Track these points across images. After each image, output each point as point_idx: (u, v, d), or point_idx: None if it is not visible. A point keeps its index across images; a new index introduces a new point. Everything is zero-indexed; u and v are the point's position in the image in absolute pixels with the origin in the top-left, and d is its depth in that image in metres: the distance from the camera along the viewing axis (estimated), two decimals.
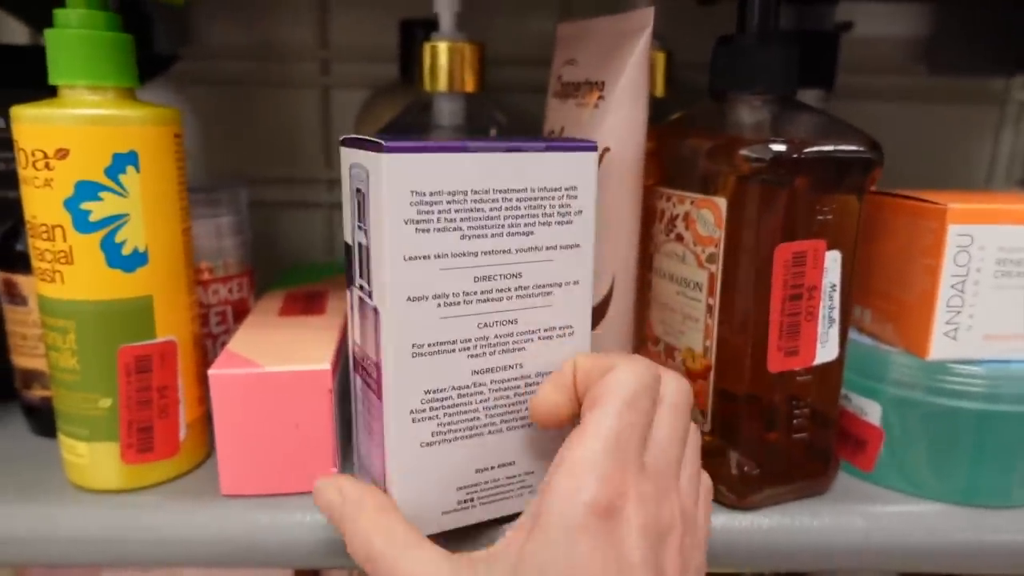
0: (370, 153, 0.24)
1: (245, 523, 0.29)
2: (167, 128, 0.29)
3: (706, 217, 0.29)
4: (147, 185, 0.29)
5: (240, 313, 0.38)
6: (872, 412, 0.32)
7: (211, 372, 0.29)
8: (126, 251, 0.29)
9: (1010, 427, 0.29)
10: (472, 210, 0.25)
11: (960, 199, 0.29)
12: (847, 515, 0.30)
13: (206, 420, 0.33)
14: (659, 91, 0.41)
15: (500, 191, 0.25)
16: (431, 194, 0.24)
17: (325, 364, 0.30)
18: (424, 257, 0.24)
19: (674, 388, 0.25)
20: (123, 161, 0.28)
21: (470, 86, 0.36)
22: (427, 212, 0.24)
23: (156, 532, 0.29)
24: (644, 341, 0.35)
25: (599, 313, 0.33)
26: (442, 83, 0.36)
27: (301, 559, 0.30)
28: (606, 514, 0.21)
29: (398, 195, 0.24)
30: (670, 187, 0.32)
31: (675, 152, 0.32)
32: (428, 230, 0.24)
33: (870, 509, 0.31)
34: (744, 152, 0.27)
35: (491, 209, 0.25)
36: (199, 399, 0.32)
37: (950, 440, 0.30)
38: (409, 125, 0.38)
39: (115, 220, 0.28)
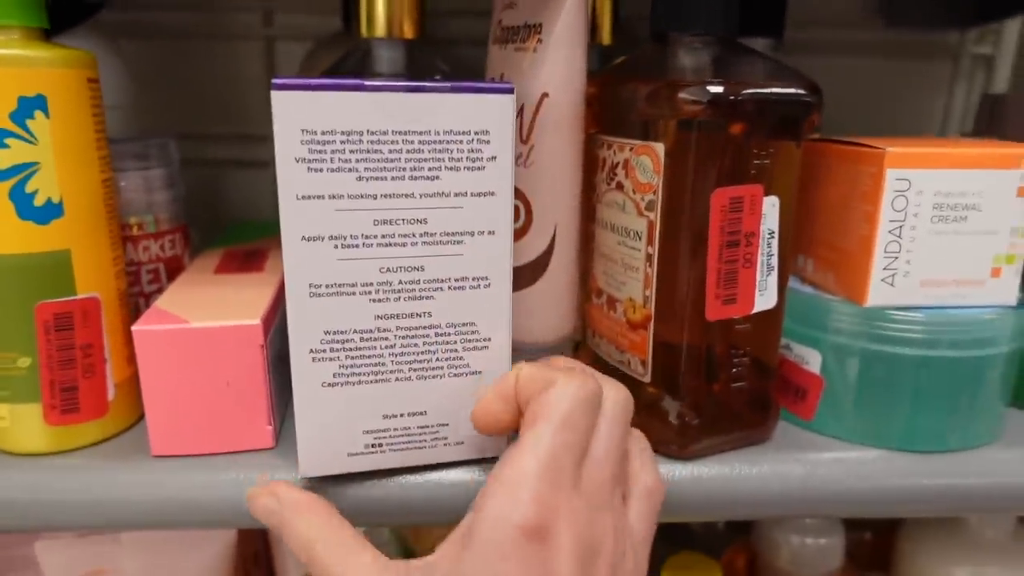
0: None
1: (177, 484, 0.29)
2: (79, 71, 0.28)
3: (645, 164, 0.29)
4: (58, 132, 0.27)
5: (173, 271, 0.37)
6: (813, 361, 0.32)
7: (135, 328, 0.28)
8: (38, 202, 0.27)
9: (947, 372, 0.30)
10: (369, 151, 0.24)
11: (899, 144, 0.29)
12: (786, 463, 0.30)
13: (137, 380, 0.32)
14: (605, 39, 0.40)
15: (400, 133, 0.24)
16: (323, 133, 0.24)
17: (255, 319, 0.29)
18: (318, 197, 0.24)
19: (612, 400, 0.25)
20: (30, 105, 0.26)
21: (409, 32, 0.35)
22: (319, 151, 0.24)
23: (83, 494, 0.28)
24: (588, 294, 0.35)
25: (540, 265, 0.33)
26: (379, 28, 0.35)
27: (236, 519, 0.29)
28: (536, 536, 0.22)
29: (288, 133, 0.23)
30: (611, 135, 0.31)
31: (615, 98, 0.31)
32: (321, 170, 0.24)
33: (809, 456, 0.31)
34: (682, 95, 0.27)
35: (391, 151, 0.24)
36: (128, 358, 0.31)
37: (888, 387, 0.30)
38: (346, 73, 0.36)
39: (24, 169, 0.27)
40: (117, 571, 0.37)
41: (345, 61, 0.37)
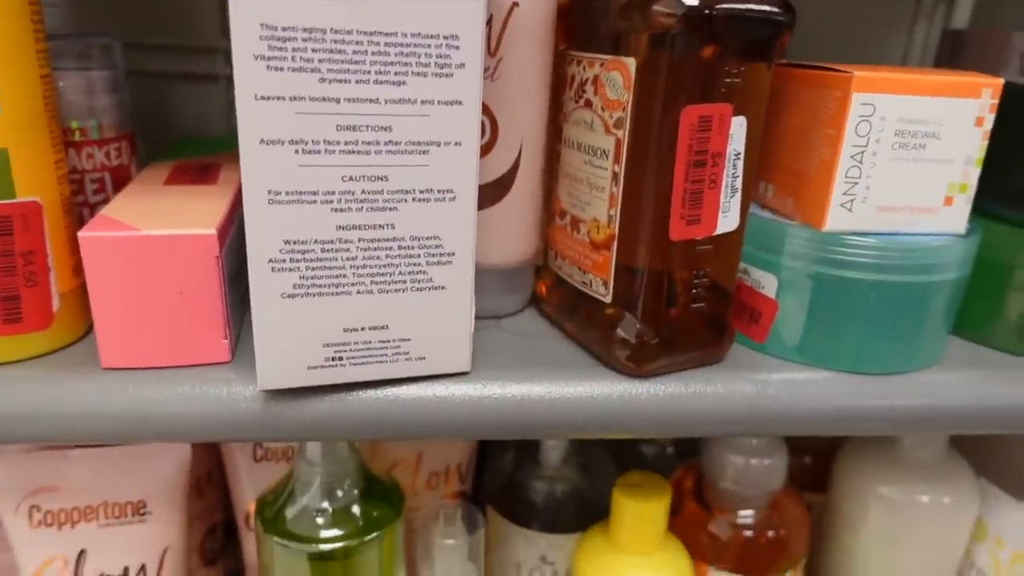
0: None
1: (127, 397, 0.28)
2: None
3: (615, 79, 0.28)
4: None
5: (120, 182, 0.35)
6: (768, 285, 0.32)
7: (81, 234, 0.27)
8: None
9: (895, 297, 0.31)
10: (333, 51, 0.23)
11: (866, 69, 0.29)
12: (739, 382, 0.31)
13: (84, 291, 0.31)
14: None
15: (366, 33, 0.23)
16: (284, 29, 0.23)
17: (210, 228, 0.28)
18: (277, 98, 0.23)
19: None
20: None
21: None
22: (280, 49, 0.23)
23: (27, 406, 0.27)
24: (552, 216, 0.34)
25: (504, 184, 0.32)
26: None
27: (188, 433, 0.29)
28: None
29: (246, 27, 0.22)
30: (581, 50, 0.30)
31: (587, 11, 0.30)
32: (281, 68, 0.23)
33: (760, 376, 0.32)
34: (656, 7, 0.26)
35: (355, 52, 0.23)
36: (74, 268, 0.30)
37: (839, 310, 0.31)
38: None
39: None
40: (67, 487, 0.36)
41: None
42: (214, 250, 0.28)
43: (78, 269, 0.30)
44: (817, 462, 0.52)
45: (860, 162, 0.29)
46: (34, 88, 0.27)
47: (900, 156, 0.30)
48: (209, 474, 0.46)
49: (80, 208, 0.34)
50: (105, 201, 0.35)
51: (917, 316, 0.31)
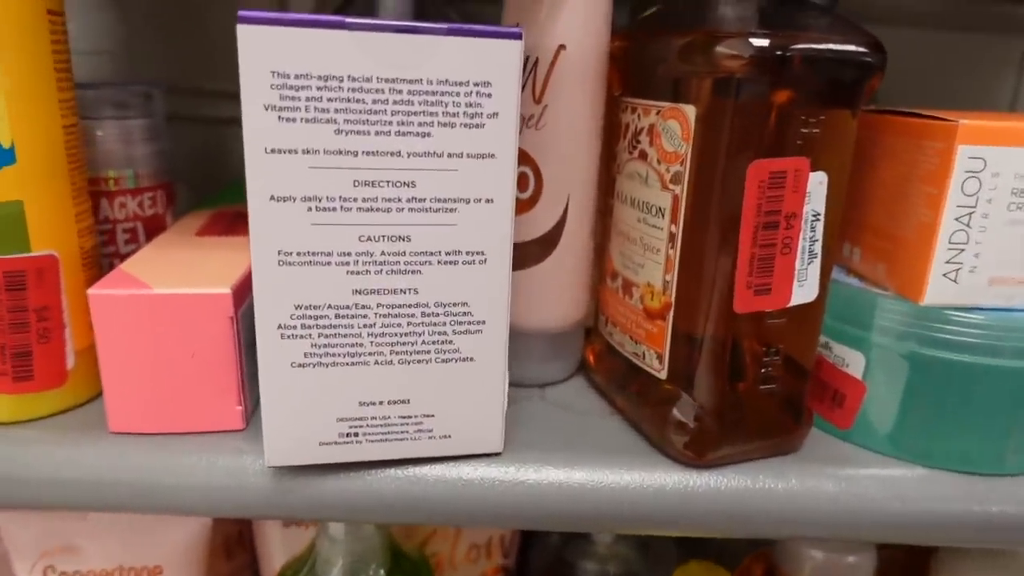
0: None
1: (133, 465, 0.26)
2: (37, 2, 0.25)
3: (672, 129, 0.25)
4: (10, 67, 0.24)
5: (153, 231, 0.34)
6: (855, 363, 0.28)
7: (91, 292, 0.25)
8: None
9: (1011, 385, 0.26)
10: (350, 100, 0.21)
11: (974, 117, 0.25)
12: (817, 477, 0.27)
13: None
14: None
15: (387, 80, 0.21)
16: (297, 76, 0.20)
17: (225, 288, 0.26)
18: (290, 151, 0.21)
19: None
20: None
21: None
22: (292, 98, 0.21)
23: (33, 471, 0.26)
24: (603, 276, 0.31)
25: (550, 241, 0.29)
26: None
27: (197, 506, 0.26)
28: None
29: (256, 75, 0.20)
30: (636, 97, 0.27)
31: (643, 54, 0.27)
32: (294, 119, 0.21)
33: (843, 471, 0.27)
34: (720, 48, 0.23)
35: (375, 102, 0.21)
36: (92, 324, 0.28)
37: (940, 398, 0.26)
38: None
39: None
40: (84, 550, 0.35)
41: (348, 8, 0.34)
42: (228, 310, 0.26)
43: None
44: (911, 557, 0.45)
45: (968, 225, 0.25)
46: (55, 139, 0.26)
47: (1019, 219, 0.25)
48: (240, 535, 0.43)
49: (111, 259, 0.33)
50: (136, 251, 0.33)
51: None
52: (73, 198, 0.27)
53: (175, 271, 0.27)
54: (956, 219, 0.25)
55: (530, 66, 0.27)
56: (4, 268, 0.25)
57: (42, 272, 0.26)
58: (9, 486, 0.26)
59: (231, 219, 0.35)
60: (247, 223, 0.34)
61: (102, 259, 0.33)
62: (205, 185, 0.47)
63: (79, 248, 0.28)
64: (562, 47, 0.27)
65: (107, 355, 0.26)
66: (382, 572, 0.33)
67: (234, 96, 0.51)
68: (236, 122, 0.51)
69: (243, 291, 0.27)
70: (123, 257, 0.33)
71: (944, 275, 0.25)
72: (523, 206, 0.29)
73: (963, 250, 0.25)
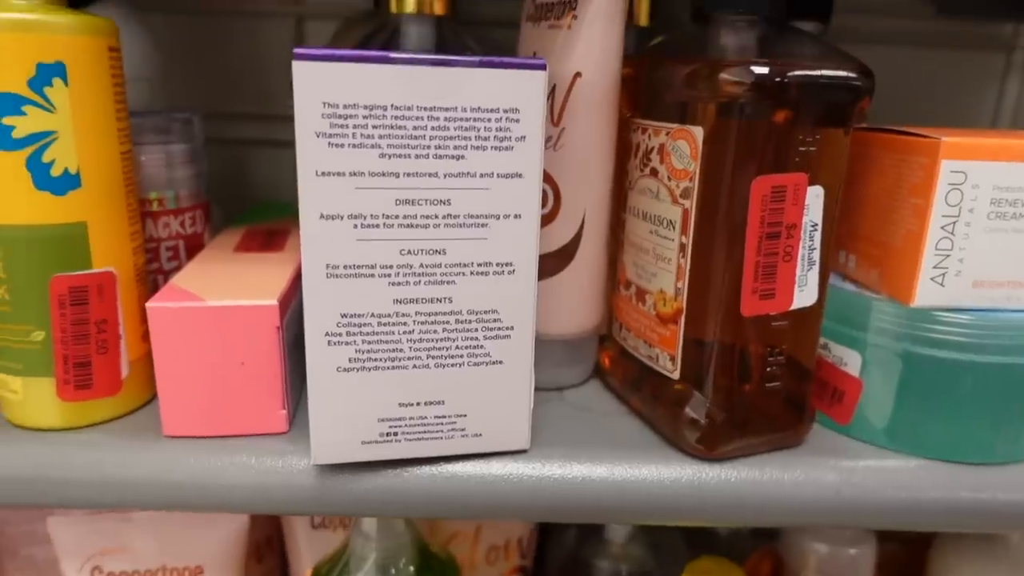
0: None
1: (186, 466, 0.28)
2: (99, 39, 0.27)
3: (681, 149, 0.27)
4: (77, 100, 0.26)
5: (194, 248, 0.36)
6: (852, 362, 0.30)
7: (149, 305, 0.27)
8: (55, 172, 0.26)
9: (996, 379, 0.28)
10: (393, 127, 0.23)
11: (955, 134, 0.27)
12: (820, 469, 0.29)
13: (151, 358, 0.31)
14: (643, 19, 0.39)
15: (425, 109, 0.23)
16: (345, 107, 0.23)
17: (272, 299, 0.28)
18: (338, 174, 0.23)
19: None
20: (49, 72, 0.26)
21: (439, 9, 0.34)
22: (341, 126, 0.23)
23: (92, 473, 0.28)
24: (617, 285, 0.33)
25: (567, 254, 0.32)
26: (409, 5, 0.34)
27: (245, 504, 0.28)
28: None
29: (309, 106, 0.23)
30: (646, 118, 0.29)
31: (652, 79, 0.29)
32: (342, 145, 0.23)
33: (844, 463, 0.29)
34: (724, 75, 0.25)
35: (415, 128, 0.23)
36: (143, 336, 0.31)
37: (932, 392, 0.28)
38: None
39: (42, 137, 0.26)
40: (129, 550, 0.36)
41: (373, 38, 0.36)
42: (275, 321, 0.28)
43: (147, 336, 0.31)
44: (910, 551, 0.47)
45: (952, 233, 0.27)
46: (114, 164, 0.28)
47: (997, 227, 0.27)
48: (269, 539, 0.45)
49: (155, 275, 0.35)
50: (178, 268, 0.36)
51: (1021, 400, 0.28)
52: (128, 219, 0.29)
53: (223, 284, 0.29)
54: (941, 227, 0.27)
55: (548, 92, 0.30)
56: (69, 284, 0.28)
57: (102, 288, 0.28)
58: (72, 487, 0.28)
59: (265, 236, 0.37)
60: (280, 239, 0.37)
61: (147, 275, 0.35)
62: (230, 204, 0.50)
63: (133, 265, 0.30)
64: (578, 74, 0.29)
65: (163, 363, 0.28)
66: (412, 568, 0.35)
67: (257, 118, 0.54)
68: (260, 143, 0.54)
69: (287, 301, 0.29)
70: (166, 273, 0.35)
71: (932, 279, 0.28)
72: (542, 221, 0.31)
73: (948, 256, 0.28)
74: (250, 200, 0.52)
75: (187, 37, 0.50)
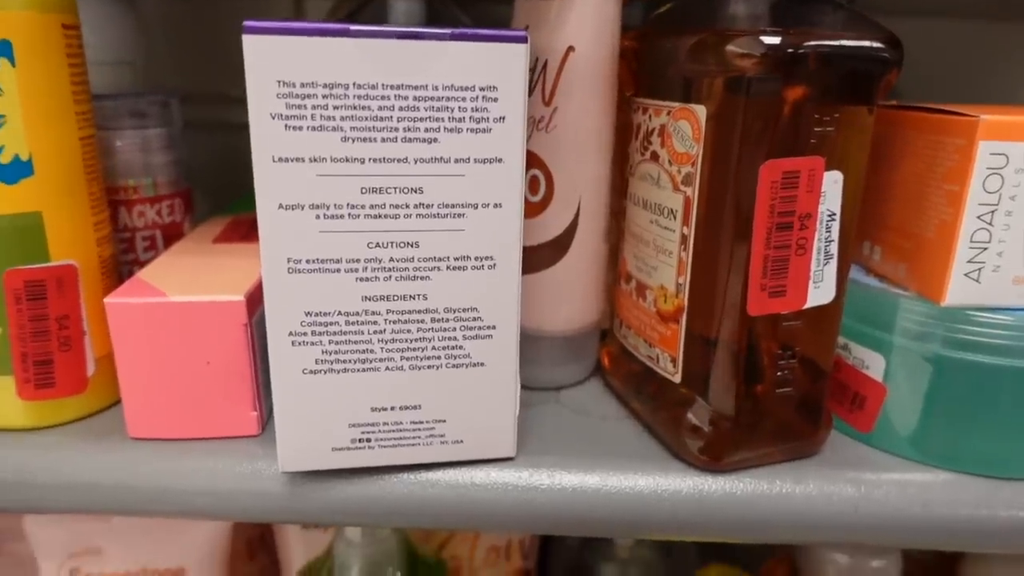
0: None
1: (151, 470, 0.26)
2: (51, 15, 0.25)
3: (683, 130, 0.25)
4: (26, 82, 0.25)
5: (172, 239, 0.34)
6: (875, 365, 0.27)
7: (108, 300, 0.25)
8: (4, 159, 0.25)
9: None
10: (356, 107, 0.21)
11: (995, 111, 0.24)
12: (837, 482, 0.26)
13: None
14: None
15: (392, 87, 0.21)
16: (302, 85, 0.21)
17: (239, 295, 0.26)
18: (297, 159, 0.21)
19: None
20: None
21: None
22: (299, 106, 0.21)
23: (54, 476, 0.26)
24: (617, 278, 0.31)
25: (562, 245, 0.29)
26: None
27: (213, 510, 0.27)
28: None
29: (263, 84, 0.20)
30: (648, 97, 0.27)
31: (654, 53, 0.27)
32: (301, 128, 0.21)
33: (864, 476, 0.26)
34: (731, 47, 0.22)
35: (380, 108, 0.21)
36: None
37: (965, 400, 0.26)
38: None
39: None
40: (107, 552, 0.35)
41: (358, 14, 0.34)
42: (242, 318, 0.26)
43: None
44: (939, 564, 0.44)
45: (990, 224, 0.24)
46: (72, 150, 0.26)
47: None
48: (262, 537, 0.44)
49: (130, 266, 0.34)
50: (155, 258, 0.34)
51: None
52: (91, 208, 0.28)
53: (191, 279, 0.27)
54: (978, 217, 0.24)
55: (539, 68, 0.27)
56: (24, 278, 0.26)
57: (61, 281, 0.27)
58: (32, 491, 0.26)
59: (248, 226, 0.35)
60: None
61: (122, 267, 0.34)
62: (223, 192, 0.48)
63: (98, 257, 0.28)
64: (571, 48, 0.27)
65: (124, 362, 0.26)
66: (398, 575, 0.33)
67: (242, 101, 0.52)
68: (248, 127, 0.52)
69: (257, 298, 0.27)
70: (142, 264, 0.34)
71: (966, 275, 0.25)
72: (534, 209, 0.29)
73: (985, 249, 0.25)
74: (242, 188, 0.51)
75: (175, 18, 0.48)
